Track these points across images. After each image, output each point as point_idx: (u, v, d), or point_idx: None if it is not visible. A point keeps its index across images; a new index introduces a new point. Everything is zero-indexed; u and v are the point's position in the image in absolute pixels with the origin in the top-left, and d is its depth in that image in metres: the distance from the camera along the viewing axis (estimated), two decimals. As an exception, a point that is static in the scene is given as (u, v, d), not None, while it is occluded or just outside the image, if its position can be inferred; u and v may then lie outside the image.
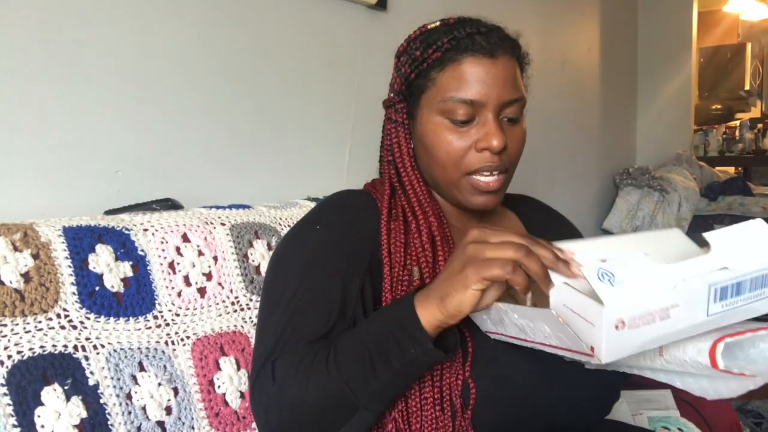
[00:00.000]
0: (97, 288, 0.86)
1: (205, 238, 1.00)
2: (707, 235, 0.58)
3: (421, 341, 0.64)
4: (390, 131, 0.87)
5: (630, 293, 0.53)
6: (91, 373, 0.80)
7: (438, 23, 0.83)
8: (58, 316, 0.80)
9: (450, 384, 0.72)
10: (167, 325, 0.91)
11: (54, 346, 0.78)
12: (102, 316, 0.84)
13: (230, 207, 1.09)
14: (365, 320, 0.71)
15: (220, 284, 0.98)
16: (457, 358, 0.73)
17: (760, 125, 4.71)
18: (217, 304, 0.97)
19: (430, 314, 0.64)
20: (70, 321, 0.81)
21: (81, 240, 0.87)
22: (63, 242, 0.85)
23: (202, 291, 0.96)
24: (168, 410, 0.86)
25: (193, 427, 0.88)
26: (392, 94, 0.87)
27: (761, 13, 5.00)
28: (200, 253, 0.98)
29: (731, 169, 4.29)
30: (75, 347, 0.80)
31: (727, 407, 1.37)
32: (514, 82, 0.80)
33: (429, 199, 0.84)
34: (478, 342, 0.73)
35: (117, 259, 0.90)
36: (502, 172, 0.81)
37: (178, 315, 0.93)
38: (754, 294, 0.58)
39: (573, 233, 1.00)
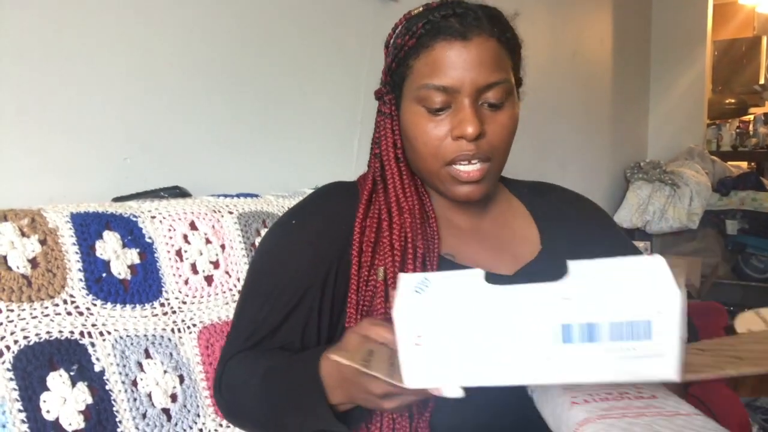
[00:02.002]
0: (104, 274, 0.85)
1: (213, 226, 0.99)
2: (573, 264, 0.48)
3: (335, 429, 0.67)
4: (379, 123, 0.85)
5: (433, 303, 0.46)
6: (97, 359, 0.80)
7: (421, 8, 0.80)
8: (65, 302, 0.80)
9: None
10: (174, 312, 0.91)
11: (60, 332, 0.78)
12: (108, 303, 0.84)
13: (238, 195, 1.08)
14: (286, 372, 0.72)
15: (227, 273, 0.98)
16: None
17: (774, 120, 4.65)
18: (224, 292, 0.97)
19: (338, 398, 0.66)
20: (77, 307, 0.81)
21: (88, 226, 0.87)
22: (70, 228, 0.85)
23: (209, 279, 0.96)
24: (173, 397, 0.86)
25: (198, 415, 0.88)
26: (381, 86, 0.85)
27: (778, 6, 4.93)
28: (208, 241, 0.98)
29: (744, 164, 4.24)
30: (81, 333, 0.80)
31: (737, 403, 1.36)
32: (491, 64, 0.75)
33: (413, 193, 0.81)
34: None
35: (124, 246, 0.89)
36: (484, 161, 0.76)
37: (184, 303, 0.92)
38: (618, 346, 0.46)
39: (591, 216, 0.95)
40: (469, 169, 0.76)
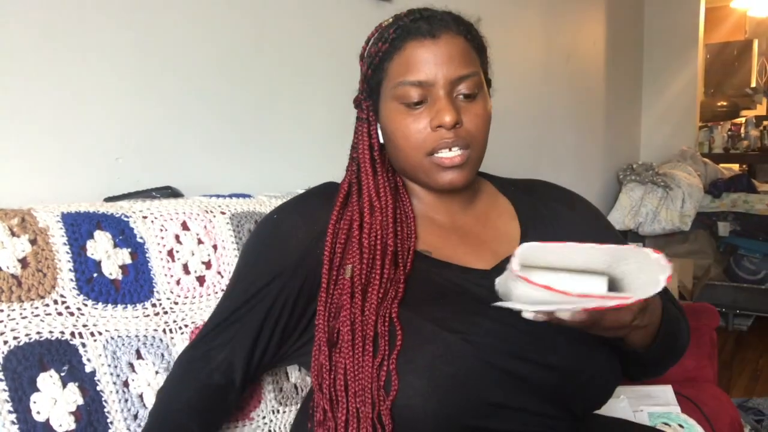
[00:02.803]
0: (95, 275, 0.85)
1: (205, 227, 0.99)
2: None
3: None
4: (357, 129, 0.89)
5: None
6: (88, 360, 0.79)
7: (391, 19, 0.85)
8: (55, 302, 0.80)
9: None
10: (165, 313, 0.90)
11: (51, 332, 0.77)
12: (100, 303, 0.84)
13: (231, 196, 1.08)
14: None
15: (219, 273, 0.98)
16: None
17: (765, 122, 4.68)
18: (216, 293, 0.96)
19: None
20: (68, 307, 0.80)
21: (79, 226, 0.86)
22: (61, 228, 0.84)
23: (201, 279, 0.96)
24: (165, 398, 0.86)
25: (190, 416, 0.87)
26: (358, 94, 0.89)
27: (769, 9, 4.96)
28: (200, 242, 0.97)
29: (736, 167, 4.26)
30: (72, 334, 0.79)
31: (728, 403, 1.36)
32: (461, 58, 0.80)
33: (388, 194, 0.84)
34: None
35: (115, 245, 0.89)
36: (464, 148, 0.81)
37: (176, 303, 0.92)
38: None
39: (579, 212, 0.95)
40: (451, 155, 0.81)
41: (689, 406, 1.21)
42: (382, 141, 0.87)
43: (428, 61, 0.79)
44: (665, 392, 1.24)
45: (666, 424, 1.10)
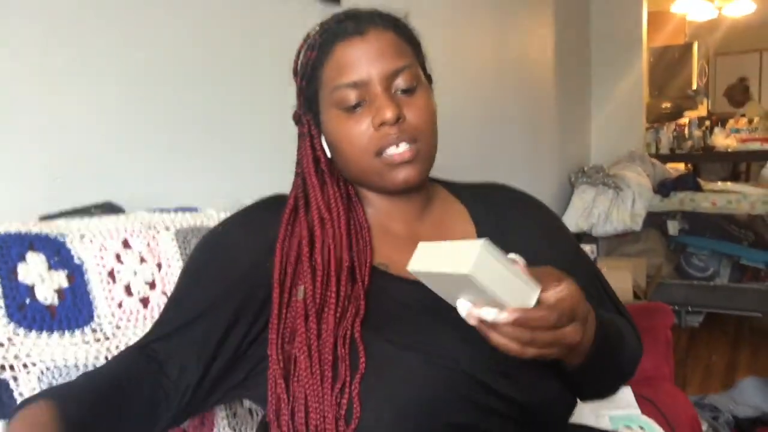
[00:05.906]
0: (27, 300, 0.79)
1: (148, 244, 0.94)
2: None
3: None
4: (299, 146, 0.86)
5: None
6: (20, 394, 0.73)
7: (317, 26, 0.83)
8: (-18, 332, 0.73)
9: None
10: (107, 338, 0.85)
11: (-23, 366, 0.71)
12: (33, 331, 0.78)
13: (176, 210, 1.03)
14: None
15: (164, 293, 0.92)
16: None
17: (707, 123, 4.86)
18: (163, 314, 0.91)
19: None
20: (-4, 338, 0.74)
21: (9, 248, 0.80)
22: (-12, 251, 0.78)
23: (144, 301, 0.90)
24: None
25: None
26: (296, 109, 0.86)
27: (706, 13, 5.16)
28: (142, 260, 0.92)
29: (681, 166, 4.40)
30: (2, 366, 0.73)
31: (686, 402, 1.38)
32: (393, 52, 0.78)
33: (339, 205, 0.81)
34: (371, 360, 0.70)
35: (50, 268, 0.83)
36: (411, 142, 0.78)
37: (119, 327, 0.87)
38: None
39: (533, 217, 0.92)
40: (400, 151, 0.77)
41: (649, 407, 1.22)
42: (329, 155, 0.83)
43: (359, 60, 0.77)
44: (625, 394, 1.24)
45: (628, 427, 1.10)
